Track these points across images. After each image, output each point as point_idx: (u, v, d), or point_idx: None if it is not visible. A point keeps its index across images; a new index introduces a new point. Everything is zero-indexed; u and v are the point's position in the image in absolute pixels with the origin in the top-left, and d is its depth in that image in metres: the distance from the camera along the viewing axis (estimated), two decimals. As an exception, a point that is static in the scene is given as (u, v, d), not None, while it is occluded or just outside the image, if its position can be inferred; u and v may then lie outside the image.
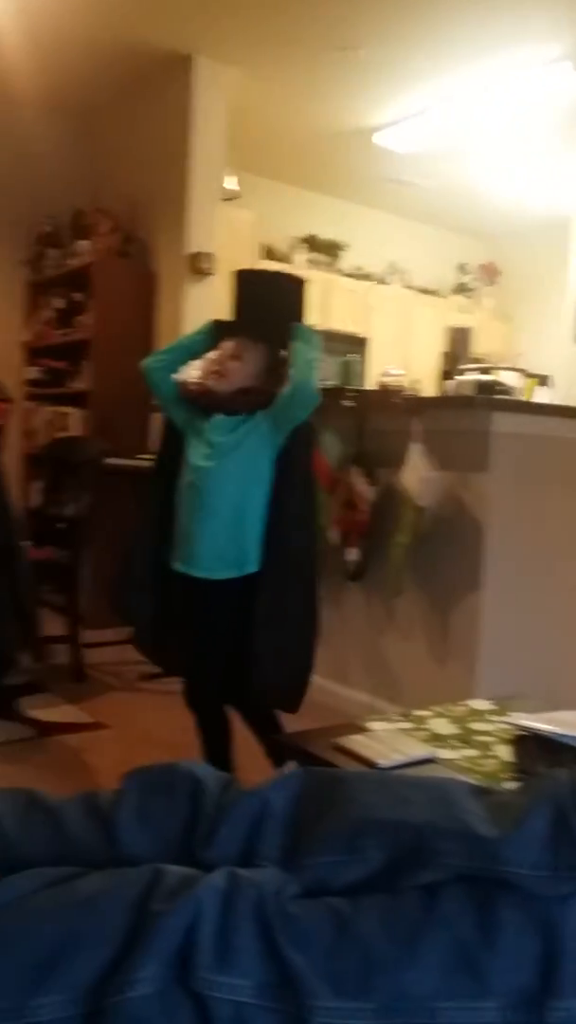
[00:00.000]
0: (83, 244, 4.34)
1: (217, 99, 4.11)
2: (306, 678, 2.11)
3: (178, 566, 2.06)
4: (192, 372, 2.15)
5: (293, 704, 2.09)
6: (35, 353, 4.69)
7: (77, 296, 4.40)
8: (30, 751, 2.57)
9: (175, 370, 2.13)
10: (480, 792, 1.01)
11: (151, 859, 0.87)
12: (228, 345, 2.06)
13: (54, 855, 0.93)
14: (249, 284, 2.13)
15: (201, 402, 2.07)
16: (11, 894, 0.81)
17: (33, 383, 4.68)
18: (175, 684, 2.33)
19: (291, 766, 1.03)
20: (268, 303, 2.10)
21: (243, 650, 2.02)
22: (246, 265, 4.95)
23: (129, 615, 2.22)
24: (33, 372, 4.67)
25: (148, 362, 2.13)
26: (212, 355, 2.08)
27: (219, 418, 2.05)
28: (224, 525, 2.00)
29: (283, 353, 2.06)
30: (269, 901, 0.80)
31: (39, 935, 0.77)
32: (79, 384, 4.33)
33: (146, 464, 3.54)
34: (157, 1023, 0.75)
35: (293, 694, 2.09)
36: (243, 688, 2.05)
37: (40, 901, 0.80)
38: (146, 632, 2.19)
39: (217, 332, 2.12)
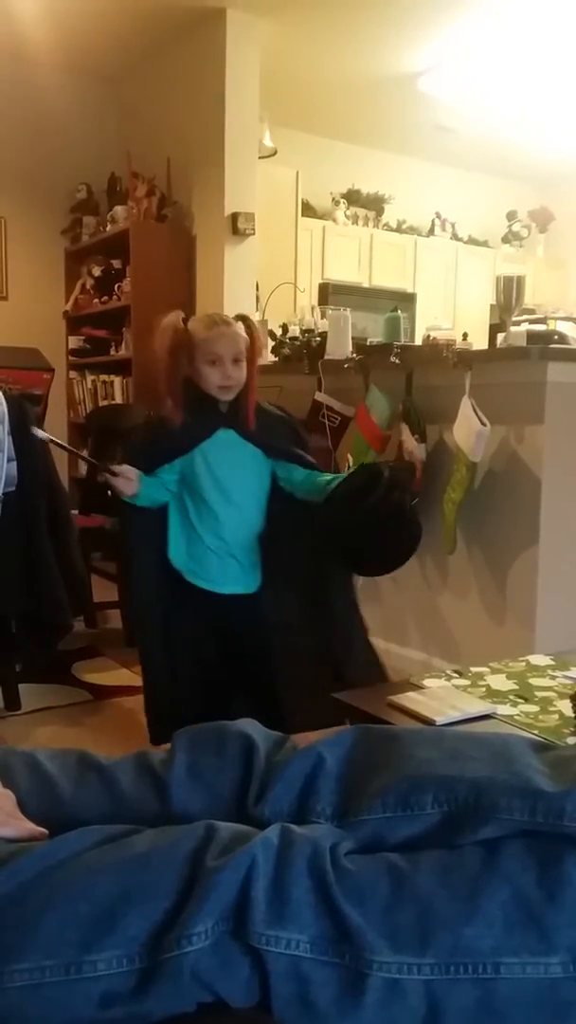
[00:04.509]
0: (119, 210, 4.30)
1: (251, 54, 3.99)
2: None
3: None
4: None
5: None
6: (76, 322, 4.70)
7: (116, 263, 4.38)
8: (87, 713, 2.61)
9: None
10: (541, 747, 0.97)
11: (204, 816, 0.86)
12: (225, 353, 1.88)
13: (107, 813, 0.93)
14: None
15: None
16: (66, 851, 0.80)
17: (76, 352, 4.69)
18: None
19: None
20: None
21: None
22: (287, 223, 4.91)
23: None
24: (75, 342, 4.68)
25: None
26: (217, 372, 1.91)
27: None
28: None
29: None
30: (324, 856, 0.78)
31: (94, 891, 0.76)
32: (121, 352, 4.33)
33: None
34: (213, 977, 0.74)
35: None
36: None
37: (95, 857, 0.80)
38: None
39: None
